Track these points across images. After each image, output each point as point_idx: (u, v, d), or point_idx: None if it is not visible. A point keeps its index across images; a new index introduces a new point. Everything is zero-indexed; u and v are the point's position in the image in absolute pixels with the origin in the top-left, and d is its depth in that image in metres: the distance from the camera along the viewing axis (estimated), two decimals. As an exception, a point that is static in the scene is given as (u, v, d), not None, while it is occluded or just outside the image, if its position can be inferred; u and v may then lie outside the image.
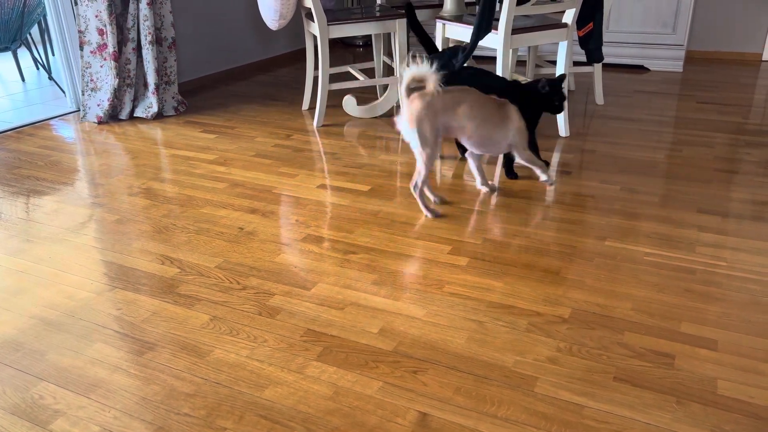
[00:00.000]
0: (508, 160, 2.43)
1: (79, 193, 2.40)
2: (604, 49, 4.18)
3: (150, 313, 1.63)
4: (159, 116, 3.35)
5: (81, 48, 3.17)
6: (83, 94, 3.24)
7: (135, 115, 3.34)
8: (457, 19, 2.85)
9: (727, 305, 1.60)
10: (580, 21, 2.87)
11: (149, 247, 1.97)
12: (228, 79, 4.17)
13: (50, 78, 4.21)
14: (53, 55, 4.33)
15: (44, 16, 4.02)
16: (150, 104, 3.30)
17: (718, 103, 3.34)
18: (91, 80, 3.23)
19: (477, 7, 2.55)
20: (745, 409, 1.26)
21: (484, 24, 2.41)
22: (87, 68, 3.21)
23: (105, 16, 3.07)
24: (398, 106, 3.38)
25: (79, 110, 3.45)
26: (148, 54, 3.21)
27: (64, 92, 3.64)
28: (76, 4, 3.11)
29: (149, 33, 3.18)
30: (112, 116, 3.31)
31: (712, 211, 2.11)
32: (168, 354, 1.47)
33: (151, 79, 3.25)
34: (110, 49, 3.13)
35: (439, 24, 2.90)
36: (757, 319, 1.54)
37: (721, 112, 3.18)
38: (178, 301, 1.68)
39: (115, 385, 1.37)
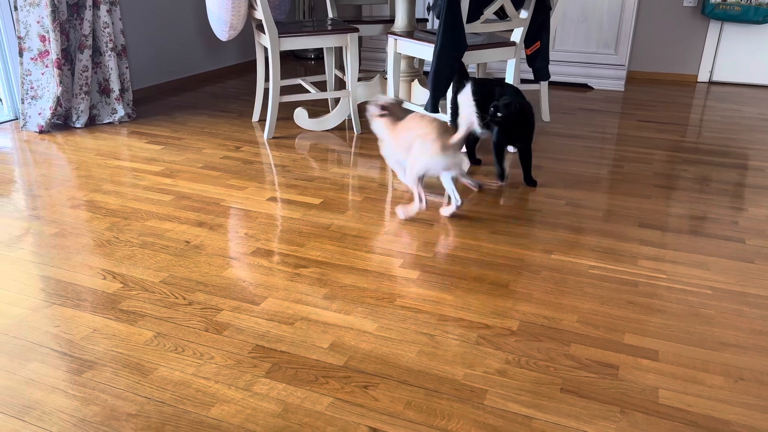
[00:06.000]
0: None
1: (16, 204, 2.30)
2: (551, 68, 4.30)
3: (90, 330, 1.57)
4: (126, 120, 3.36)
5: (21, 54, 3.06)
6: (23, 102, 3.12)
7: (101, 122, 3.32)
8: (408, 34, 2.88)
9: (668, 316, 1.65)
10: (528, 40, 2.95)
11: (90, 261, 1.90)
12: (176, 90, 4.09)
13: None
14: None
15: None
16: (114, 110, 3.31)
17: (657, 122, 3.48)
18: (32, 88, 3.12)
19: (438, 29, 2.59)
20: (684, 418, 1.30)
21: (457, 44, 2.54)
22: (27, 75, 3.09)
23: (48, 22, 2.97)
24: (350, 120, 3.39)
25: (17, 119, 3.32)
26: (111, 61, 3.23)
27: (0, 100, 3.49)
28: (15, 9, 3.00)
29: (110, 40, 3.20)
30: (65, 124, 3.25)
31: (652, 226, 2.19)
32: (109, 372, 1.41)
33: (115, 86, 3.27)
34: (53, 56, 3.03)
35: (390, 39, 2.93)
36: (695, 330, 1.60)
37: (659, 130, 3.31)
38: (121, 317, 1.62)
39: (52, 407, 1.31)
